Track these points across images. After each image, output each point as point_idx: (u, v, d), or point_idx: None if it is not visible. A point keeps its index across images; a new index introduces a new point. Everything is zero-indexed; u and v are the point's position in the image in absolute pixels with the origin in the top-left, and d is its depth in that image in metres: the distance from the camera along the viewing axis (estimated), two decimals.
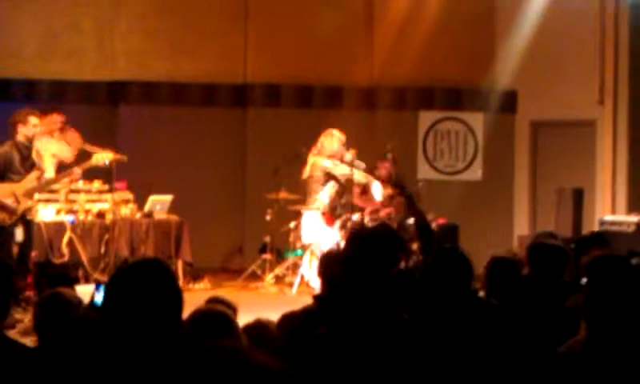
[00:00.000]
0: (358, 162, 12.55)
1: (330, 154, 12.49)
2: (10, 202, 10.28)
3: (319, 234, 12.27)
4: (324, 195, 12.42)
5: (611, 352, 4.06)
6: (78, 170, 11.25)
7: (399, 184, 12.98)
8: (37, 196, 11.17)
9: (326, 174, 12.46)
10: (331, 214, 12.48)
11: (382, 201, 12.90)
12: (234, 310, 5.30)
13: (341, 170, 12.42)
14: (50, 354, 3.82)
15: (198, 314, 4.00)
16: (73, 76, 14.70)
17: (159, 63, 14.89)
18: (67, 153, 11.91)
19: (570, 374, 4.06)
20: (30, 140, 10.52)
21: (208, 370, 2.76)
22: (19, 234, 10.34)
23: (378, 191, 12.65)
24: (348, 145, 12.61)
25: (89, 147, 11.52)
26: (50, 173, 11.18)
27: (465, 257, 5.30)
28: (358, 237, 4.81)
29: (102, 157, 11.28)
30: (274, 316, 5.64)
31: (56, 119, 12.03)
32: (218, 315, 3.97)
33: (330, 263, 5.34)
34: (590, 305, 4.23)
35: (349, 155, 12.47)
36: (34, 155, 10.60)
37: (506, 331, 4.78)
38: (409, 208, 12.76)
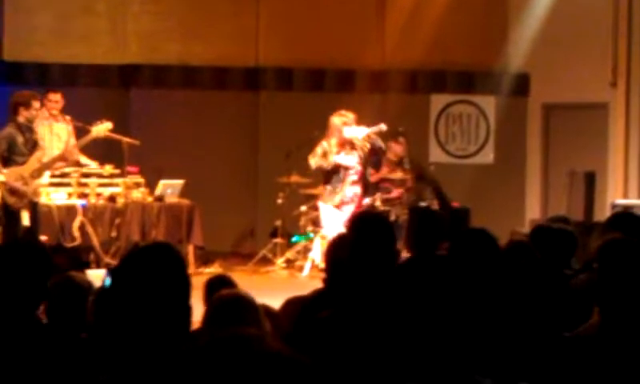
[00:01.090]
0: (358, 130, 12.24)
1: (340, 138, 12.24)
2: (19, 184, 10.29)
3: (335, 222, 12.05)
4: (340, 190, 12.18)
5: (624, 335, 4.05)
6: (75, 150, 11.26)
7: (419, 172, 12.81)
8: (48, 179, 11.17)
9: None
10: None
11: (395, 182, 12.81)
12: (233, 286, 5.27)
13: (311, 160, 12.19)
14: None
15: (221, 300, 3.99)
16: (85, 59, 14.71)
17: (171, 46, 14.89)
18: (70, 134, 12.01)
19: (583, 357, 4.05)
20: (31, 121, 10.48)
21: (219, 357, 2.76)
22: (26, 217, 10.33)
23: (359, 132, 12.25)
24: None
25: (89, 127, 11.48)
26: (55, 152, 11.17)
27: (492, 238, 5.25)
28: (360, 219, 4.81)
29: (102, 128, 11.25)
30: (284, 300, 5.64)
31: (52, 98, 11.94)
32: (241, 301, 3.95)
33: (336, 247, 5.34)
34: (601, 289, 4.21)
35: (362, 130, 12.19)
36: (36, 136, 10.57)
37: (516, 314, 4.76)
38: (438, 198, 12.55)
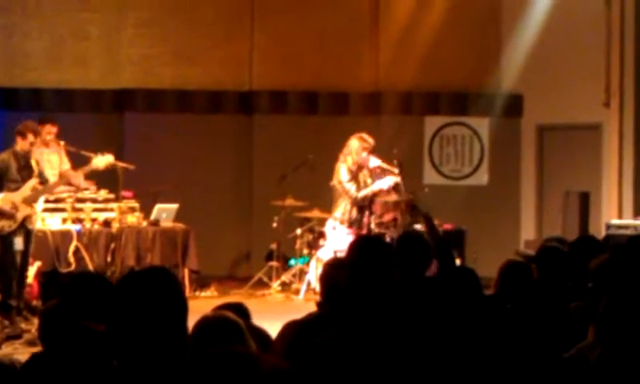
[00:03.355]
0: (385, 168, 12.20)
1: (355, 160, 12.13)
2: (7, 208, 10.30)
3: (339, 242, 11.96)
4: (338, 211, 12.13)
5: (620, 355, 4.05)
6: (77, 173, 11.27)
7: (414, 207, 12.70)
8: (43, 205, 11.17)
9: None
10: (350, 227, 12.18)
11: (389, 205, 12.76)
12: (247, 315, 5.24)
13: (350, 189, 12.03)
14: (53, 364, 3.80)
15: (206, 321, 3.98)
16: (79, 84, 14.73)
17: (165, 70, 14.91)
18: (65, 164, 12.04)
19: (579, 378, 4.04)
20: (26, 152, 10.54)
21: (215, 374, 2.76)
22: (19, 242, 10.33)
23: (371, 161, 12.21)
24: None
25: (85, 152, 11.55)
26: (49, 178, 11.19)
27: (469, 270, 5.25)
28: (359, 242, 4.82)
29: (102, 160, 11.28)
30: (280, 323, 5.63)
31: (50, 130, 12.01)
32: (227, 322, 3.95)
33: (332, 270, 5.33)
34: (597, 309, 4.21)
35: (375, 161, 12.14)
36: (32, 164, 10.61)
37: (516, 335, 4.76)
38: (428, 228, 12.44)
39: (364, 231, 11.97)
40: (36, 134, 10.62)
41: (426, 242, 6.27)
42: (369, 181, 12.21)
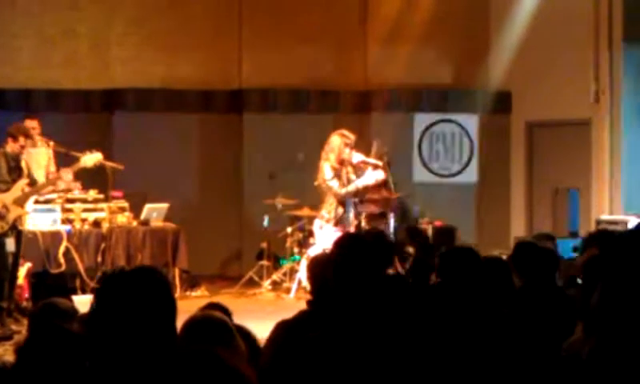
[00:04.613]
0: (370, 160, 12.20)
1: (338, 156, 12.13)
2: None
3: (328, 240, 11.95)
4: (324, 210, 12.14)
5: (610, 352, 4.05)
6: (67, 171, 11.20)
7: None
8: (32, 205, 11.15)
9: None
10: (337, 226, 12.16)
11: (379, 202, 12.76)
12: (229, 314, 5.27)
13: (334, 186, 12.05)
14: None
15: (194, 321, 3.98)
16: (68, 84, 14.70)
17: (154, 70, 14.89)
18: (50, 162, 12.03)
19: (570, 375, 4.05)
20: (16, 154, 10.51)
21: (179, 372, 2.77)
22: (11, 243, 10.31)
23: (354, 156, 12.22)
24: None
25: (75, 153, 11.51)
26: (36, 178, 11.15)
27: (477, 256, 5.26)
28: (345, 240, 4.83)
29: (91, 158, 11.23)
30: (271, 322, 5.64)
31: (29, 124, 11.96)
32: (215, 322, 3.95)
33: (318, 267, 5.33)
34: (585, 305, 4.22)
35: (358, 156, 12.16)
36: (22, 166, 10.58)
37: (503, 332, 4.76)
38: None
39: (352, 229, 11.97)
40: (27, 136, 10.61)
41: (389, 240, 6.28)
42: (352, 177, 12.23)
